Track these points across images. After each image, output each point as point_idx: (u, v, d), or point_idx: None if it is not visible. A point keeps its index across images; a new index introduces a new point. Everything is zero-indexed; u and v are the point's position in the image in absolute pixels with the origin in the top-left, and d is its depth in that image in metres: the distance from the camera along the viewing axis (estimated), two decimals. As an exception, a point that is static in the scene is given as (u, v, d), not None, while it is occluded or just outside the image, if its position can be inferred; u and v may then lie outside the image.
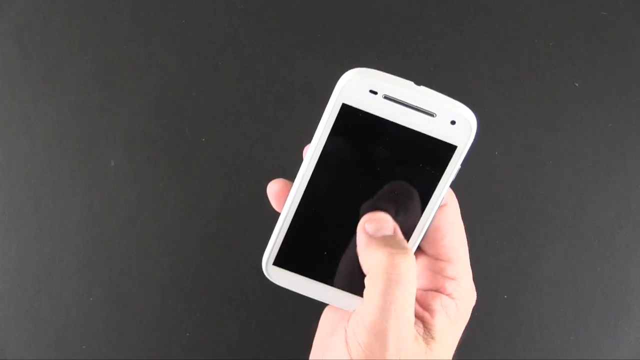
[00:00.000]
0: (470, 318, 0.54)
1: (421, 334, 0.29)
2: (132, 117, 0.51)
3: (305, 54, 0.51)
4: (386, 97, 0.27)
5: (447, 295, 0.30)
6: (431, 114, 0.27)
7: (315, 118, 0.30)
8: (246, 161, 0.51)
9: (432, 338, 0.29)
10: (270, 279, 0.32)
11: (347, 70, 0.28)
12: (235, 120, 0.51)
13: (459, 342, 0.32)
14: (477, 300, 0.51)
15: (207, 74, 0.51)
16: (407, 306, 0.27)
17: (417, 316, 0.29)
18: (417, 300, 0.30)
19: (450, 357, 0.30)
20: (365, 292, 0.27)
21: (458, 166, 0.29)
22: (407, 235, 0.30)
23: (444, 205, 0.30)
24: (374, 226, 0.28)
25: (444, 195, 0.29)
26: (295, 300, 0.52)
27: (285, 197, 0.30)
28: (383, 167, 0.29)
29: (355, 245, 0.29)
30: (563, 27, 0.51)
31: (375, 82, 0.27)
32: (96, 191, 0.51)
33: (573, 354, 0.51)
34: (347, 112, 0.27)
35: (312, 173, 0.29)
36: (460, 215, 0.31)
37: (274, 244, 0.31)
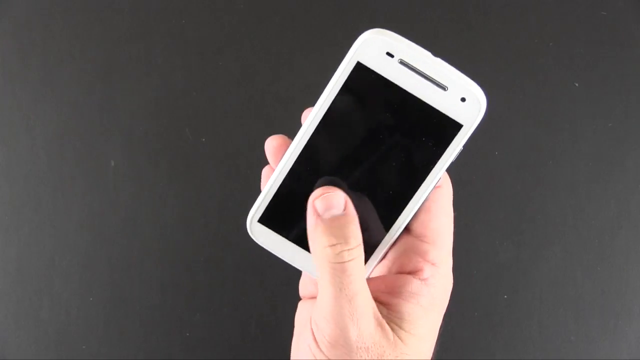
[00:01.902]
0: (471, 318, 0.54)
1: (387, 321, 0.28)
2: (132, 117, 0.51)
3: (305, 54, 0.51)
4: (402, 62, 0.27)
5: (422, 280, 0.29)
6: (443, 87, 0.27)
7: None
8: (246, 161, 0.51)
9: (401, 327, 0.28)
10: (253, 237, 0.31)
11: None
12: (235, 120, 0.51)
13: (443, 335, 0.31)
14: (477, 300, 0.51)
15: (207, 74, 0.51)
16: (358, 290, 0.26)
17: (384, 302, 0.29)
18: (386, 285, 0.29)
19: (430, 350, 0.30)
20: (317, 278, 0.27)
21: (460, 147, 0.28)
22: (399, 209, 0.29)
23: (438, 187, 0.30)
24: (322, 205, 0.27)
25: (441, 175, 0.28)
26: (295, 300, 0.52)
27: (283, 154, 0.30)
28: (386, 134, 0.28)
29: None
30: (563, 27, 0.51)
31: (394, 44, 0.26)
32: (96, 191, 0.51)
33: (573, 354, 0.51)
34: (360, 71, 0.27)
35: (314, 131, 0.28)
36: (451, 201, 0.31)
37: (263, 199, 0.30)
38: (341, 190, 0.27)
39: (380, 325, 0.27)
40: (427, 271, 0.29)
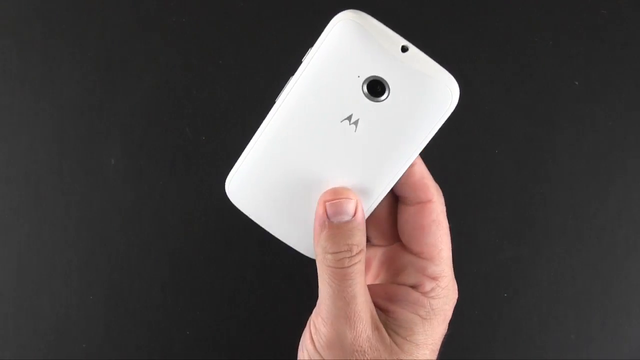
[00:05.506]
0: (470, 317, 0.54)
1: (385, 326, 0.29)
2: (132, 116, 0.51)
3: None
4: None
5: (423, 293, 0.30)
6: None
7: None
8: (246, 160, 0.51)
9: (398, 334, 0.28)
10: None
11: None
12: (235, 119, 0.51)
13: (446, 342, 0.31)
14: (477, 299, 0.51)
15: (207, 72, 0.51)
16: (357, 293, 0.27)
17: (382, 308, 0.29)
18: (386, 292, 0.30)
19: (430, 356, 0.30)
20: (318, 276, 0.28)
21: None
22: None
23: (429, 202, 0.30)
24: (332, 209, 0.27)
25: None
26: (296, 299, 0.52)
27: None
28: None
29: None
30: (563, 26, 0.51)
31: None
32: (96, 190, 0.51)
33: (573, 353, 0.51)
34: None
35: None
36: (445, 213, 0.31)
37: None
38: (352, 193, 0.27)
39: (377, 329, 0.28)
40: (427, 285, 0.30)
